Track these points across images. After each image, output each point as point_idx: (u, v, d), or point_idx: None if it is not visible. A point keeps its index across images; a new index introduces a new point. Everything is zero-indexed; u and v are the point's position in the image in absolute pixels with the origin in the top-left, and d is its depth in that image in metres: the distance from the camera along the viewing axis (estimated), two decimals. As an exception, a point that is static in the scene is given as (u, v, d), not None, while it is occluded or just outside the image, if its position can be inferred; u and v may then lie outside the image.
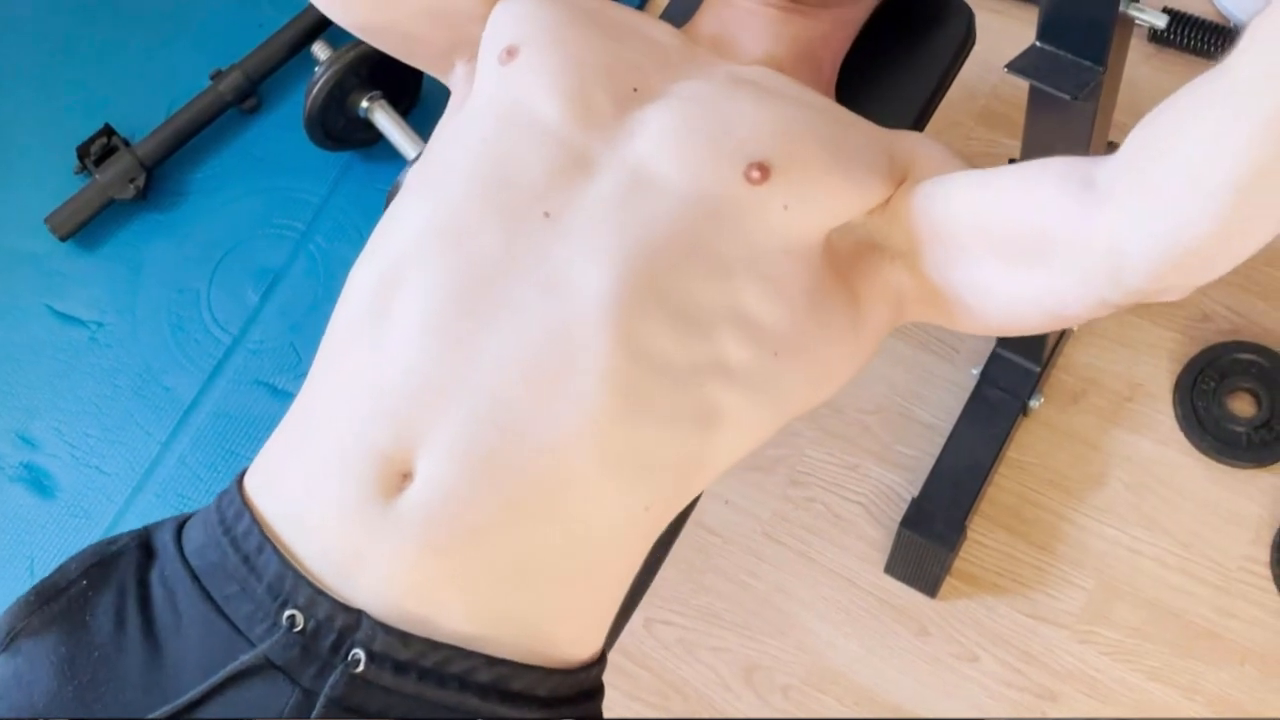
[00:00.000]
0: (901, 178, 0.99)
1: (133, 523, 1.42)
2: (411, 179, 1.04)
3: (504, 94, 1.01)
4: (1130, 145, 0.81)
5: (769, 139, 0.96)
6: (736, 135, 0.96)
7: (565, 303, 0.89)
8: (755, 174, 0.94)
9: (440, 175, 0.99)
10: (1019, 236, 0.90)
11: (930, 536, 1.65)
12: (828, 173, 0.96)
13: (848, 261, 0.99)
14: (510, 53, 1.02)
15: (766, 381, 0.94)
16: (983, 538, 1.74)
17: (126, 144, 1.72)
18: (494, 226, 0.93)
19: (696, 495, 0.99)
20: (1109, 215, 0.82)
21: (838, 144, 0.99)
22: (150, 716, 0.85)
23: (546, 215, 0.93)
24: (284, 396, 1.53)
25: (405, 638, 0.85)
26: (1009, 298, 0.94)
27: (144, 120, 1.75)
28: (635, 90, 1.00)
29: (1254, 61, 0.70)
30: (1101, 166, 0.84)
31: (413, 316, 0.91)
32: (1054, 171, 0.88)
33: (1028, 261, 0.90)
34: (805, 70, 1.12)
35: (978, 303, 0.96)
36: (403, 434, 0.88)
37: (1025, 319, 0.96)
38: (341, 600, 0.86)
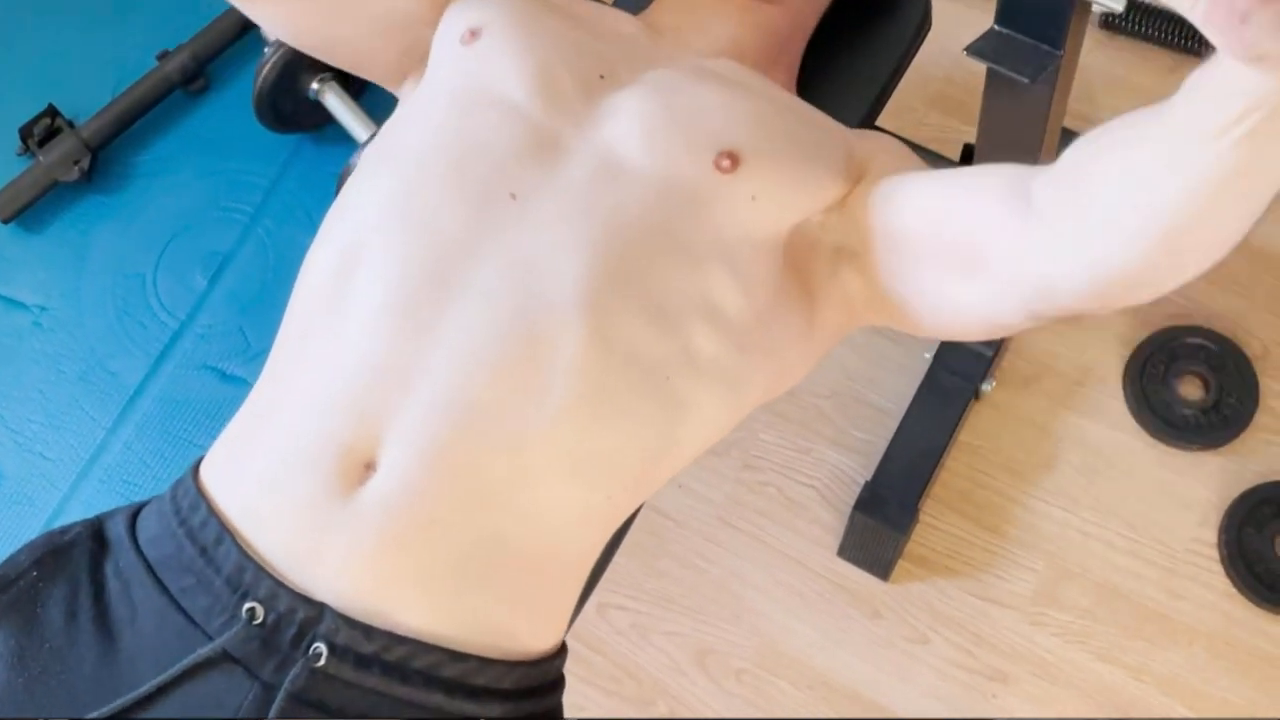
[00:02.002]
0: (859, 176, 0.99)
1: (77, 509, 1.40)
2: (367, 158, 1.02)
3: (465, 74, 0.99)
4: (1067, 166, 0.81)
5: (739, 129, 0.95)
6: (707, 124, 0.95)
7: (533, 291, 0.88)
8: (725, 163, 0.93)
9: (398, 154, 0.97)
10: (959, 245, 0.90)
11: (883, 520, 1.66)
12: (794, 166, 0.96)
13: (805, 262, 0.98)
14: (474, 34, 1.00)
15: (730, 375, 0.93)
16: (935, 521, 1.75)
17: (71, 125, 1.69)
18: (457, 206, 0.91)
19: (657, 486, 0.98)
20: (1041, 236, 0.82)
21: (804, 139, 0.98)
22: (104, 711, 0.84)
23: (513, 197, 0.91)
24: (233, 381, 1.52)
25: (369, 631, 0.84)
26: (950, 305, 0.94)
27: (88, 101, 1.72)
28: (602, 77, 0.99)
29: (1190, 115, 0.68)
30: (1038, 181, 0.84)
31: (372, 301, 0.89)
32: (996, 182, 0.88)
33: (967, 271, 0.90)
34: (768, 61, 1.11)
35: (921, 308, 0.97)
36: (365, 424, 0.86)
37: (965, 327, 0.97)
38: (302, 593, 0.85)
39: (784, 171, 0.95)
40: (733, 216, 0.93)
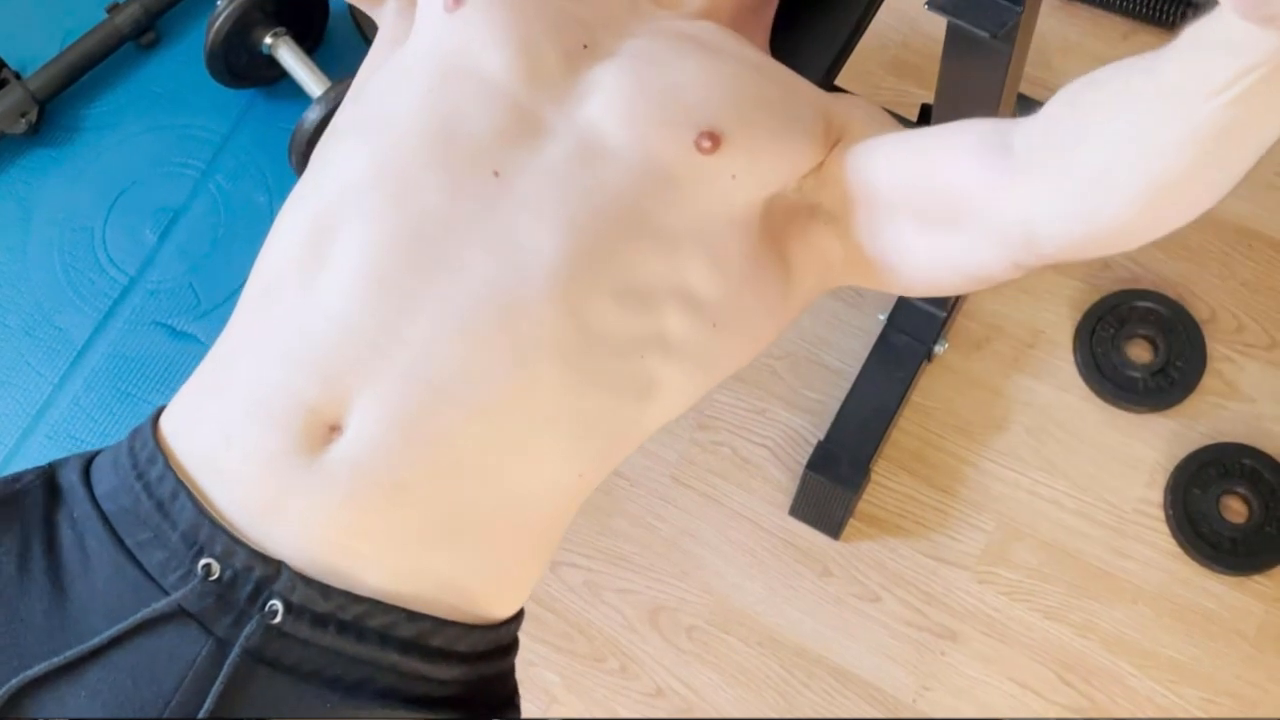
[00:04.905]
0: (835, 140, 0.98)
1: (24, 465, 1.39)
2: (345, 123, 1.01)
3: (449, 43, 0.98)
4: (1050, 116, 0.82)
5: (720, 107, 0.94)
6: (687, 102, 0.94)
7: (511, 267, 0.87)
8: (706, 143, 0.92)
9: (380, 122, 0.96)
10: (938, 198, 0.91)
11: (835, 479, 1.67)
12: (774, 139, 0.95)
13: (781, 228, 0.98)
14: (457, 0, 0.99)
15: (703, 352, 0.93)
16: (886, 480, 1.76)
17: (18, 77, 1.67)
18: (439, 181, 0.90)
19: (626, 457, 0.98)
20: (1023, 187, 0.83)
21: (784, 110, 0.98)
22: (54, 661, 0.83)
23: (496, 174, 0.90)
24: (183, 338, 1.51)
25: (325, 590, 0.84)
26: (929, 260, 0.95)
27: (36, 53, 1.69)
28: (585, 47, 0.98)
29: (1184, 71, 0.69)
30: (1020, 133, 0.84)
31: (349, 267, 0.89)
32: (974, 134, 0.88)
33: (946, 224, 0.91)
34: (748, 19, 1.10)
35: (901, 265, 0.97)
36: (333, 386, 0.86)
37: (945, 281, 0.97)
38: (260, 550, 0.85)
39: (764, 146, 0.95)
40: (712, 196, 0.93)
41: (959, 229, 0.90)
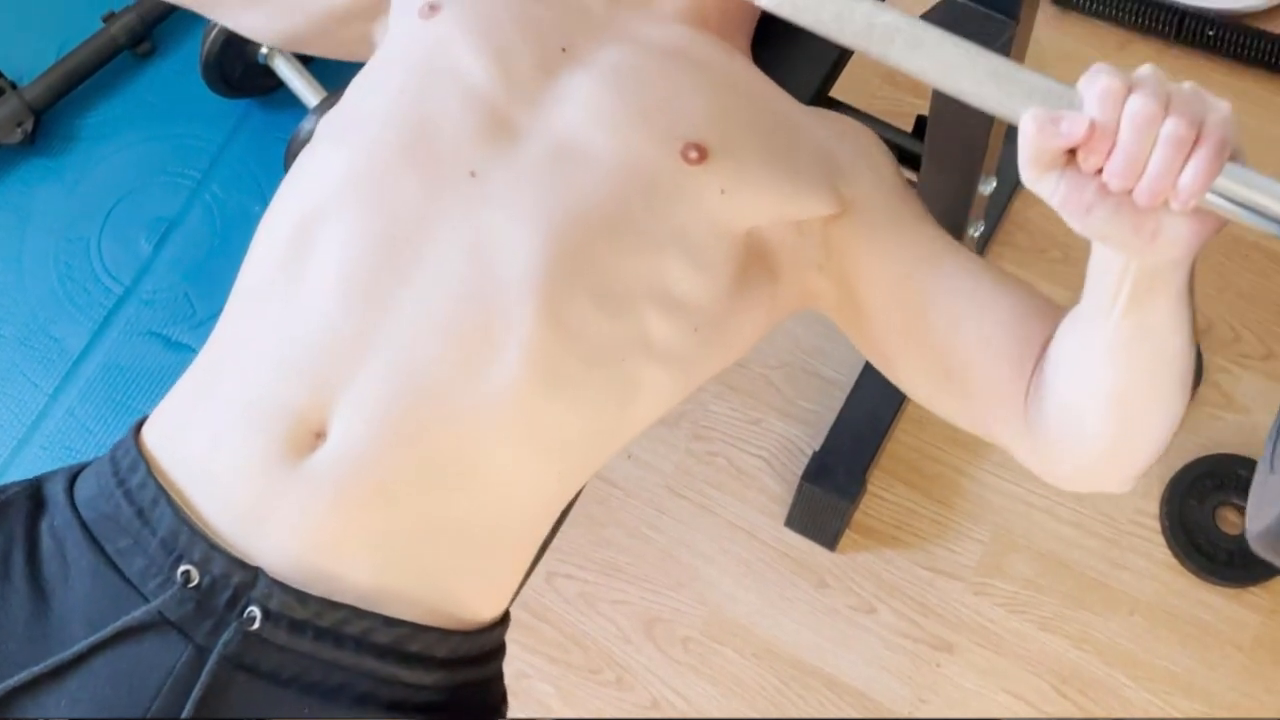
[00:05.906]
0: (843, 206, 0.97)
1: (18, 475, 1.39)
2: (325, 128, 1.01)
3: (425, 48, 0.98)
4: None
5: (706, 123, 0.94)
6: (672, 113, 0.94)
7: (489, 268, 0.87)
8: (693, 154, 0.92)
9: (357, 125, 0.96)
10: (959, 372, 0.94)
11: (831, 490, 1.67)
12: (766, 167, 0.95)
13: (773, 253, 0.98)
14: (433, 8, 0.99)
15: (684, 356, 0.93)
16: (882, 492, 1.76)
17: (14, 87, 1.67)
18: (415, 182, 0.90)
19: (606, 461, 0.98)
20: (1031, 421, 0.91)
21: (777, 139, 0.97)
22: (34, 670, 0.84)
23: (473, 175, 0.91)
24: (178, 347, 1.51)
25: (302, 597, 0.84)
26: (928, 396, 1.00)
27: (32, 63, 1.70)
28: (564, 51, 0.98)
29: (1087, 303, 0.79)
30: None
31: (329, 269, 0.89)
32: (1019, 333, 0.93)
33: (954, 388, 0.95)
34: (728, 25, 1.10)
35: (897, 375, 1.01)
36: (316, 392, 0.86)
37: (940, 413, 1.01)
38: (240, 556, 0.85)
39: (755, 170, 0.94)
40: (700, 206, 0.93)
41: (965, 399, 0.95)
